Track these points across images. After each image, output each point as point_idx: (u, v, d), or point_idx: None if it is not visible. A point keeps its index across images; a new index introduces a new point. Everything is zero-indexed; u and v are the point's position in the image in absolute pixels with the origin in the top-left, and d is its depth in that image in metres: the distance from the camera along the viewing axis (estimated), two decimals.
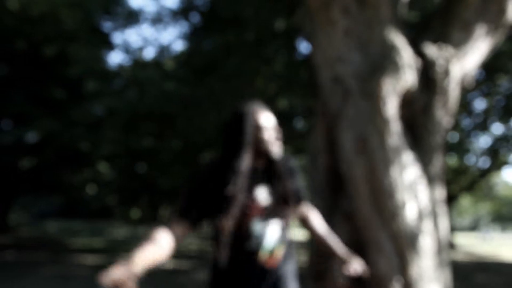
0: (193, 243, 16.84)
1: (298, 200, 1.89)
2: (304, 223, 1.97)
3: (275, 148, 1.80)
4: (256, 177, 1.78)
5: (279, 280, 1.79)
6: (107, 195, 20.04)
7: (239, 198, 1.69)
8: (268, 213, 1.77)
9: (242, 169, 1.72)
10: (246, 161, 1.73)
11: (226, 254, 1.70)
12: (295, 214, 1.92)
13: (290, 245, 1.86)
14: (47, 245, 13.26)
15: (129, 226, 25.82)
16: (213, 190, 1.71)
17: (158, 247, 1.57)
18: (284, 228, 1.81)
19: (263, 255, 1.73)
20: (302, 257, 4.38)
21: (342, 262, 1.85)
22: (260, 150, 1.78)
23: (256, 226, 1.74)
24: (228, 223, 1.68)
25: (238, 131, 1.76)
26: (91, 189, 18.44)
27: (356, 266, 1.81)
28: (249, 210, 1.73)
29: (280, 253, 1.78)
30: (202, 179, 1.76)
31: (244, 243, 1.72)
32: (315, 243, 3.76)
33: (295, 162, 1.95)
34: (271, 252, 1.76)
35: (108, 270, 1.37)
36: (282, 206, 1.80)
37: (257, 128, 1.77)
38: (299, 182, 1.92)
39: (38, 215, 26.45)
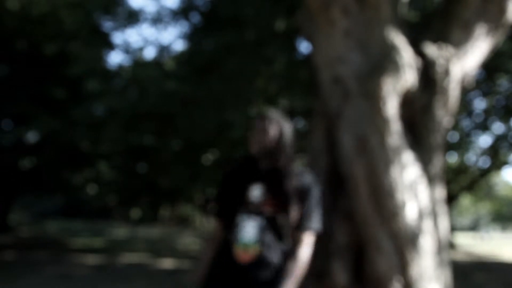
0: (194, 243, 16.85)
1: (300, 227, 1.88)
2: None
3: (251, 147, 1.93)
4: (259, 175, 1.90)
5: (255, 280, 1.79)
6: (107, 195, 20.03)
7: (233, 196, 1.89)
8: (253, 210, 1.84)
9: (238, 170, 1.97)
10: (242, 163, 1.98)
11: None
12: (294, 238, 1.90)
13: (279, 250, 1.84)
14: (47, 245, 13.27)
15: (129, 226, 25.82)
16: (230, 186, 1.95)
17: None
18: (267, 229, 1.81)
19: (236, 247, 1.82)
20: None
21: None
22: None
23: (238, 218, 1.85)
24: (222, 218, 1.93)
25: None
26: (91, 189, 18.42)
27: None
28: (240, 204, 1.86)
29: (254, 251, 1.79)
30: (225, 178, 2.02)
31: (227, 233, 1.87)
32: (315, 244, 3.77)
33: (314, 183, 1.94)
34: (245, 247, 1.80)
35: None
36: (271, 207, 1.83)
37: (250, 131, 1.97)
38: (310, 209, 1.89)
39: (39, 215, 26.42)
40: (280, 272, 1.82)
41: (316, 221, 1.91)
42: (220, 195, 1.99)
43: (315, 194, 1.92)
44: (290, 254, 1.87)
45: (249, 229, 1.81)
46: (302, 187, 1.89)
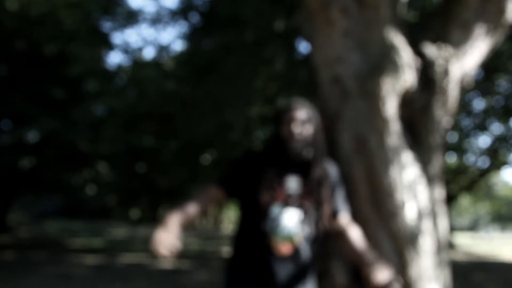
0: (193, 243, 16.84)
1: (334, 213, 1.98)
2: (339, 237, 2.01)
3: (292, 140, 1.85)
4: (291, 167, 1.87)
5: (291, 272, 1.81)
6: (107, 195, 20.03)
7: (268, 183, 1.81)
8: (291, 202, 1.82)
9: (273, 158, 1.86)
10: (276, 151, 1.88)
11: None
12: (331, 227, 1.97)
13: (313, 243, 1.89)
14: (47, 245, 13.26)
15: (128, 226, 25.81)
16: (251, 170, 1.86)
17: (193, 206, 1.81)
18: (305, 222, 1.84)
19: (274, 239, 1.78)
20: None
21: (371, 269, 1.87)
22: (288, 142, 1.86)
23: (275, 210, 1.80)
24: (261, 200, 1.80)
25: (275, 124, 1.95)
26: (91, 189, 18.43)
27: (384, 274, 1.86)
28: (274, 194, 1.81)
29: (293, 243, 1.80)
30: (245, 159, 1.95)
31: (260, 224, 1.80)
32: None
33: (340, 173, 2.04)
34: (284, 239, 1.79)
35: (152, 238, 1.64)
36: (308, 200, 1.85)
37: (284, 121, 1.89)
38: (340, 194, 2.00)
39: (38, 215, 26.41)
40: (313, 265, 1.90)
41: (348, 205, 2.06)
42: (237, 172, 1.91)
43: (342, 182, 2.06)
44: (341, 236, 1.98)
45: (289, 222, 1.80)
46: (332, 177, 1.98)
